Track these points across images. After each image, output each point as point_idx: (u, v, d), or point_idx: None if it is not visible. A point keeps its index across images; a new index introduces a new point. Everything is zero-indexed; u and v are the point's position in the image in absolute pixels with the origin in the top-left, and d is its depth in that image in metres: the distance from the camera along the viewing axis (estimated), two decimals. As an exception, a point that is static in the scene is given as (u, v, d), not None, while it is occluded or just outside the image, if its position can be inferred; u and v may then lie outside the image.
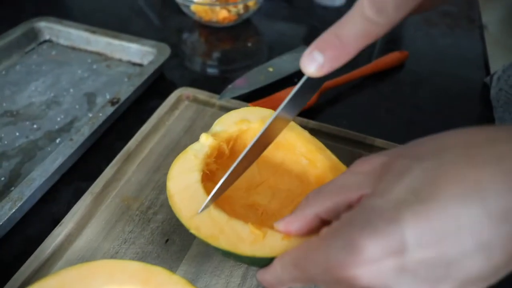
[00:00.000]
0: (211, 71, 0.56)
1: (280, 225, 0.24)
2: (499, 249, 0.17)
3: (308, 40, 0.58)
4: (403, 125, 0.47)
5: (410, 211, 0.18)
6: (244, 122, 0.32)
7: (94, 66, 0.53)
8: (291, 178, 0.32)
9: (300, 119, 0.44)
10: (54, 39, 0.57)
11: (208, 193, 0.27)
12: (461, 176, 0.18)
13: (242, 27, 0.63)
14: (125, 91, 0.45)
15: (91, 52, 0.55)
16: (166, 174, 0.32)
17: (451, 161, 0.18)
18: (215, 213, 0.27)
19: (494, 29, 0.70)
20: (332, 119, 0.46)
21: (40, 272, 0.30)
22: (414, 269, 0.17)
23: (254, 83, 0.49)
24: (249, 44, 0.60)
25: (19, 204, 0.33)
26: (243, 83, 0.48)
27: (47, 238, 0.32)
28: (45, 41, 0.57)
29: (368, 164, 0.22)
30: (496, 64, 0.56)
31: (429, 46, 0.60)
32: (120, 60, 0.54)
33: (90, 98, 0.48)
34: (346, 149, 0.41)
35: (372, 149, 0.41)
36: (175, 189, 0.29)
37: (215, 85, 0.51)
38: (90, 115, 0.46)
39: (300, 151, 0.32)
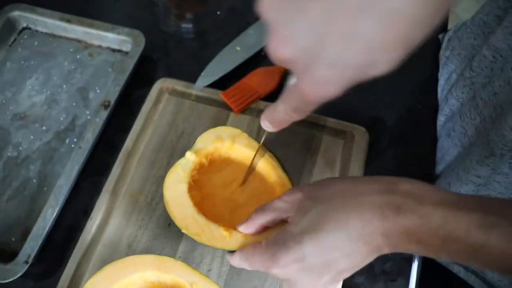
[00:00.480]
0: (183, 43, 0.60)
1: (240, 228, 0.37)
2: (356, 256, 0.29)
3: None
4: (352, 98, 0.54)
5: (308, 236, 0.30)
6: (218, 141, 0.43)
7: (78, 56, 0.58)
8: (255, 180, 0.44)
9: (264, 103, 0.52)
10: (32, 26, 0.60)
11: (193, 200, 0.39)
12: (337, 217, 0.29)
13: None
14: (113, 91, 0.51)
15: (71, 39, 0.59)
16: (160, 168, 0.46)
17: (334, 207, 0.30)
18: (198, 218, 0.39)
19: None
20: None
21: (87, 255, 0.43)
22: (310, 268, 0.31)
23: (224, 67, 0.54)
24: (218, 13, 0.62)
25: (57, 209, 0.45)
26: (213, 68, 0.54)
27: (83, 230, 0.44)
28: (24, 29, 0.60)
29: (292, 197, 0.34)
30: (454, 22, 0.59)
31: None
32: (100, 47, 0.58)
33: (82, 93, 0.55)
34: (300, 130, 0.50)
35: (324, 129, 0.50)
36: (169, 197, 0.40)
37: (191, 63, 0.56)
38: (88, 112, 0.54)
39: (261, 167, 0.43)
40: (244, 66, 0.55)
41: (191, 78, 0.53)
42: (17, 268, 0.42)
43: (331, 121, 0.50)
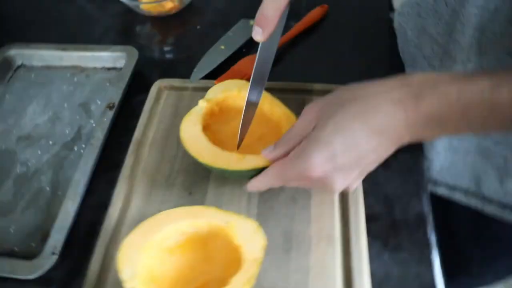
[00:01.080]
0: (173, 56, 0.66)
1: (266, 152, 0.39)
2: (381, 150, 0.33)
3: (246, 13, 0.69)
4: (332, 68, 0.61)
5: (337, 135, 0.33)
6: (227, 91, 0.47)
7: (75, 79, 0.62)
8: (260, 124, 0.47)
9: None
10: (27, 63, 0.65)
11: (208, 138, 0.43)
12: (362, 116, 0.32)
13: (187, 12, 0.72)
14: (115, 95, 0.55)
15: (66, 67, 0.64)
16: (172, 148, 0.49)
17: (357, 108, 0.33)
18: (213, 148, 0.42)
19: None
20: (278, 75, 0.60)
21: (114, 239, 0.43)
22: (341, 166, 0.33)
23: (213, 62, 0.60)
24: (198, 27, 0.70)
25: (77, 200, 0.45)
26: (204, 64, 0.60)
27: (106, 217, 0.45)
28: (19, 67, 0.65)
29: (313, 110, 0.36)
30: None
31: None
32: (95, 68, 0.63)
33: (85, 107, 0.58)
34: (292, 97, 0.55)
35: (312, 92, 0.55)
36: (186, 137, 0.43)
37: (183, 68, 0.62)
38: (92, 121, 0.57)
39: (265, 107, 0.47)
40: (230, 60, 0.62)
41: (184, 75, 0.59)
42: (45, 261, 0.41)
43: (318, 85, 0.56)
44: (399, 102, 0.31)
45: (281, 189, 0.44)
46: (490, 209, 0.51)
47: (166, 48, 0.68)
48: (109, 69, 0.63)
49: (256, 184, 0.39)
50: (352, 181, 0.35)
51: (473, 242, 0.61)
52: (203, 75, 0.58)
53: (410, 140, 0.33)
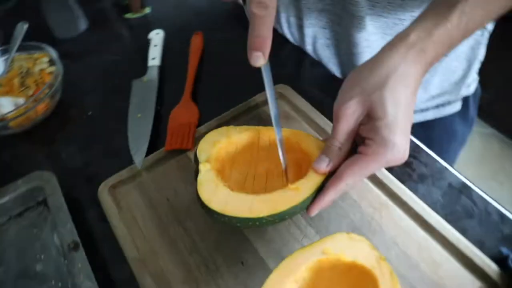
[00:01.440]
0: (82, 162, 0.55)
1: (320, 166, 0.37)
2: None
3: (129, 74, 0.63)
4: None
5: (398, 111, 0.34)
6: (216, 143, 0.42)
7: None
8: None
9: (203, 126, 0.53)
10: None
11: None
12: (402, 86, 0.34)
13: (63, 106, 0.61)
14: (68, 232, 0.42)
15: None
16: (178, 234, 0.42)
17: (395, 81, 0.34)
18: (262, 196, 0.37)
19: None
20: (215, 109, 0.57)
21: None
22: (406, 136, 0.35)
23: (143, 136, 0.52)
24: (90, 113, 0.60)
25: None
26: (137, 143, 0.52)
27: None
28: None
29: (349, 108, 0.36)
30: None
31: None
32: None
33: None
34: (247, 117, 0.54)
35: (258, 105, 0.55)
36: (217, 204, 0.36)
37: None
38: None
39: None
40: (157, 121, 0.55)
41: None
42: None
43: (259, 97, 0.56)
44: (414, 63, 0.35)
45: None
46: None
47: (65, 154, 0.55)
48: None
49: (321, 204, 0.37)
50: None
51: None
52: (145, 152, 0.50)
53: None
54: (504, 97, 1.60)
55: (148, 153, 0.51)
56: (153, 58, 0.65)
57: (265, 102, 0.56)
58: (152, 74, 0.63)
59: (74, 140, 0.56)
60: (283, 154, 0.39)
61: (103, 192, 0.46)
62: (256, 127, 0.44)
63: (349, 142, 0.38)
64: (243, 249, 0.41)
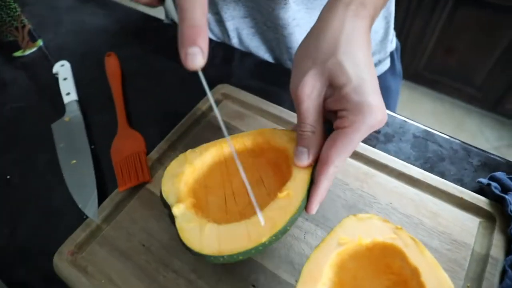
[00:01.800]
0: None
1: (302, 162, 0.33)
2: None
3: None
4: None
5: (363, 71, 0.31)
6: (179, 176, 0.36)
7: None
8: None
9: (155, 152, 0.47)
10: None
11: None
12: (358, 45, 0.31)
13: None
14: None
15: None
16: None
17: (349, 42, 0.31)
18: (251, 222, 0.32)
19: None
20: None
21: None
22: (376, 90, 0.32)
23: (89, 185, 0.44)
24: (8, 177, 0.49)
25: None
26: (84, 196, 0.44)
27: None
28: None
29: (308, 84, 0.32)
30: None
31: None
32: None
33: None
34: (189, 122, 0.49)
35: (204, 114, 0.51)
36: (201, 244, 0.31)
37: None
38: None
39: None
40: (95, 163, 0.47)
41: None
42: None
43: (204, 104, 0.51)
44: (358, 18, 0.32)
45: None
46: None
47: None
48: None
49: (318, 198, 0.33)
50: None
51: None
52: (96, 204, 0.42)
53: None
54: (403, 46, 1.76)
55: (100, 201, 0.43)
56: (68, 93, 0.56)
57: (211, 108, 0.52)
58: (73, 110, 0.54)
59: (-2, 214, 0.46)
60: (243, 172, 0.33)
61: (61, 264, 0.38)
62: (215, 141, 0.39)
63: (320, 121, 0.34)
64: (249, 270, 0.37)
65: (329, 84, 0.32)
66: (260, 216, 0.31)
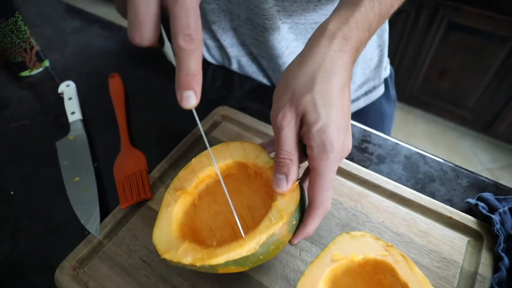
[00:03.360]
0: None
1: (281, 189, 0.34)
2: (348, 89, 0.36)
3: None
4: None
5: (331, 110, 0.33)
6: (179, 190, 0.38)
7: None
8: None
9: (157, 170, 0.48)
10: None
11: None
12: (331, 82, 0.33)
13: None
14: None
15: None
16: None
17: (323, 79, 0.33)
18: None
19: None
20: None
21: None
22: (345, 126, 0.34)
23: (91, 203, 0.46)
24: (12, 193, 0.50)
25: None
26: (86, 212, 0.45)
27: None
28: None
29: (285, 115, 0.34)
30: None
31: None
32: None
33: None
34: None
35: (205, 134, 0.53)
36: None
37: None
38: None
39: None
40: (98, 181, 0.49)
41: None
42: None
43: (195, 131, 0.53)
44: (340, 53, 0.35)
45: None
46: None
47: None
48: None
49: (304, 235, 0.34)
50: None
51: None
52: (99, 219, 0.44)
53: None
54: (396, 70, 1.82)
55: (102, 217, 0.44)
56: (73, 113, 0.58)
57: (212, 128, 0.54)
58: (77, 129, 0.56)
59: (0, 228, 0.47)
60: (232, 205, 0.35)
61: (62, 278, 0.39)
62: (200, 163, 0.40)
63: (296, 149, 0.35)
64: (245, 287, 0.38)
65: (301, 118, 0.34)
66: (241, 228, 0.33)
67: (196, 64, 0.28)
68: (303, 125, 0.34)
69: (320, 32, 0.36)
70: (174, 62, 0.29)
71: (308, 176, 0.37)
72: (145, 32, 0.28)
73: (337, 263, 0.32)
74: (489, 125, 1.74)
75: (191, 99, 0.29)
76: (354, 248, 0.33)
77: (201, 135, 0.53)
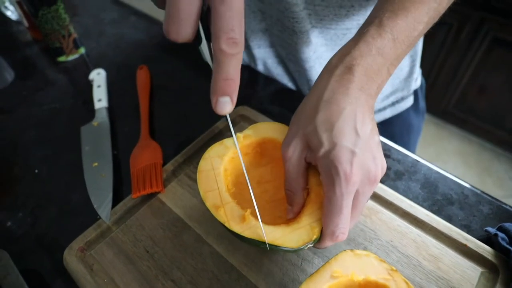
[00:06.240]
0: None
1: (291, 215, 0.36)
2: (371, 122, 0.34)
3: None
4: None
5: (343, 140, 0.32)
6: (266, 140, 0.41)
7: None
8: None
9: (170, 164, 0.49)
10: None
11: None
12: (347, 118, 0.33)
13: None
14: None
15: None
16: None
17: (328, 111, 0.33)
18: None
19: None
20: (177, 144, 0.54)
21: None
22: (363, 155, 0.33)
23: (105, 190, 0.47)
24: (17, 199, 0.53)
25: None
26: (100, 197, 0.46)
27: None
28: None
29: (295, 147, 0.35)
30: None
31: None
32: None
33: None
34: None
35: (221, 132, 0.53)
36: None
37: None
38: None
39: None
40: (117, 172, 0.50)
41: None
42: None
43: (220, 124, 0.54)
44: (342, 80, 0.34)
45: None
46: None
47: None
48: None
49: (328, 239, 0.33)
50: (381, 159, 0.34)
51: None
52: (110, 206, 0.45)
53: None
54: (433, 83, 1.74)
55: (114, 204, 0.46)
56: (100, 100, 0.60)
57: (228, 127, 0.54)
58: (102, 116, 0.58)
59: (22, 204, 0.49)
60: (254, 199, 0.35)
61: (70, 258, 0.40)
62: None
63: (299, 182, 0.36)
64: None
65: (308, 148, 0.35)
66: (257, 210, 0.34)
67: (235, 69, 0.27)
68: (311, 155, 0.35)
69: (324, 68, 0.37)
70: (210, 62, 0.28)
71: None
72: (183, 28, 0.26)
73: (336, 280, 0.31)
74: (529, 149, 1.64)
75: (226, 105, 0.27)
76: (356, 267, 0.32)
77: (219, 133, 0.54)
